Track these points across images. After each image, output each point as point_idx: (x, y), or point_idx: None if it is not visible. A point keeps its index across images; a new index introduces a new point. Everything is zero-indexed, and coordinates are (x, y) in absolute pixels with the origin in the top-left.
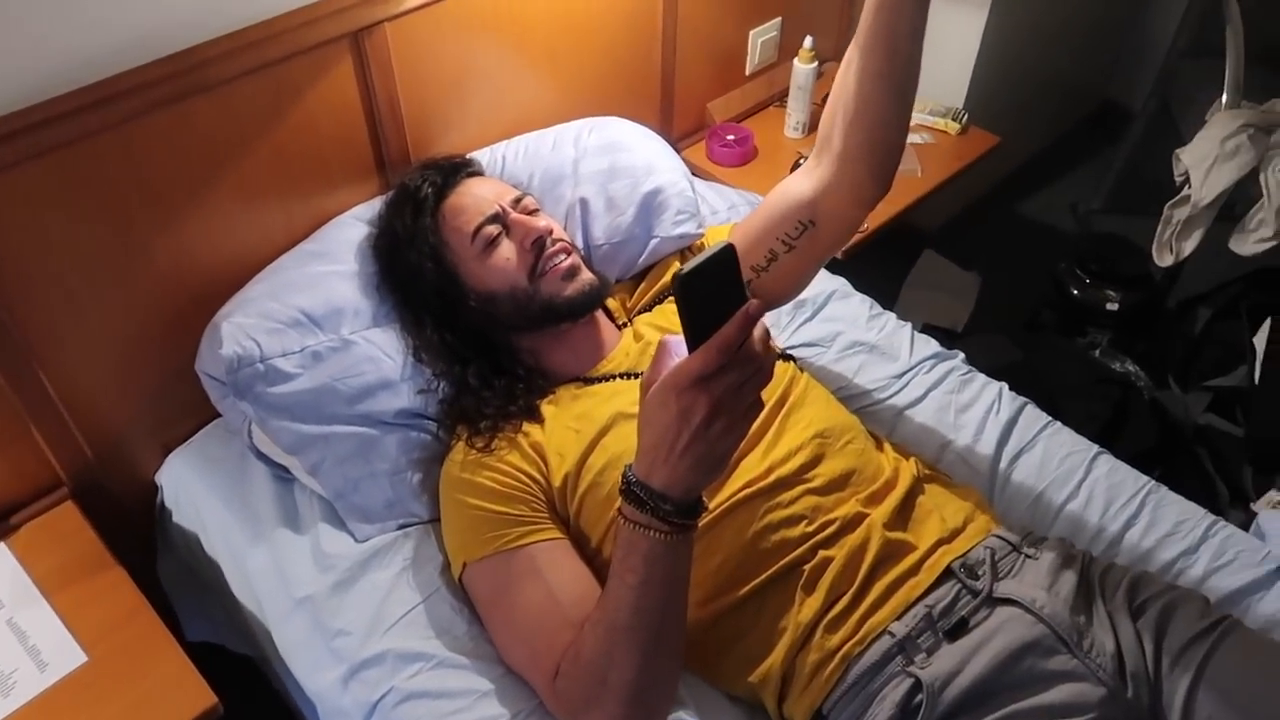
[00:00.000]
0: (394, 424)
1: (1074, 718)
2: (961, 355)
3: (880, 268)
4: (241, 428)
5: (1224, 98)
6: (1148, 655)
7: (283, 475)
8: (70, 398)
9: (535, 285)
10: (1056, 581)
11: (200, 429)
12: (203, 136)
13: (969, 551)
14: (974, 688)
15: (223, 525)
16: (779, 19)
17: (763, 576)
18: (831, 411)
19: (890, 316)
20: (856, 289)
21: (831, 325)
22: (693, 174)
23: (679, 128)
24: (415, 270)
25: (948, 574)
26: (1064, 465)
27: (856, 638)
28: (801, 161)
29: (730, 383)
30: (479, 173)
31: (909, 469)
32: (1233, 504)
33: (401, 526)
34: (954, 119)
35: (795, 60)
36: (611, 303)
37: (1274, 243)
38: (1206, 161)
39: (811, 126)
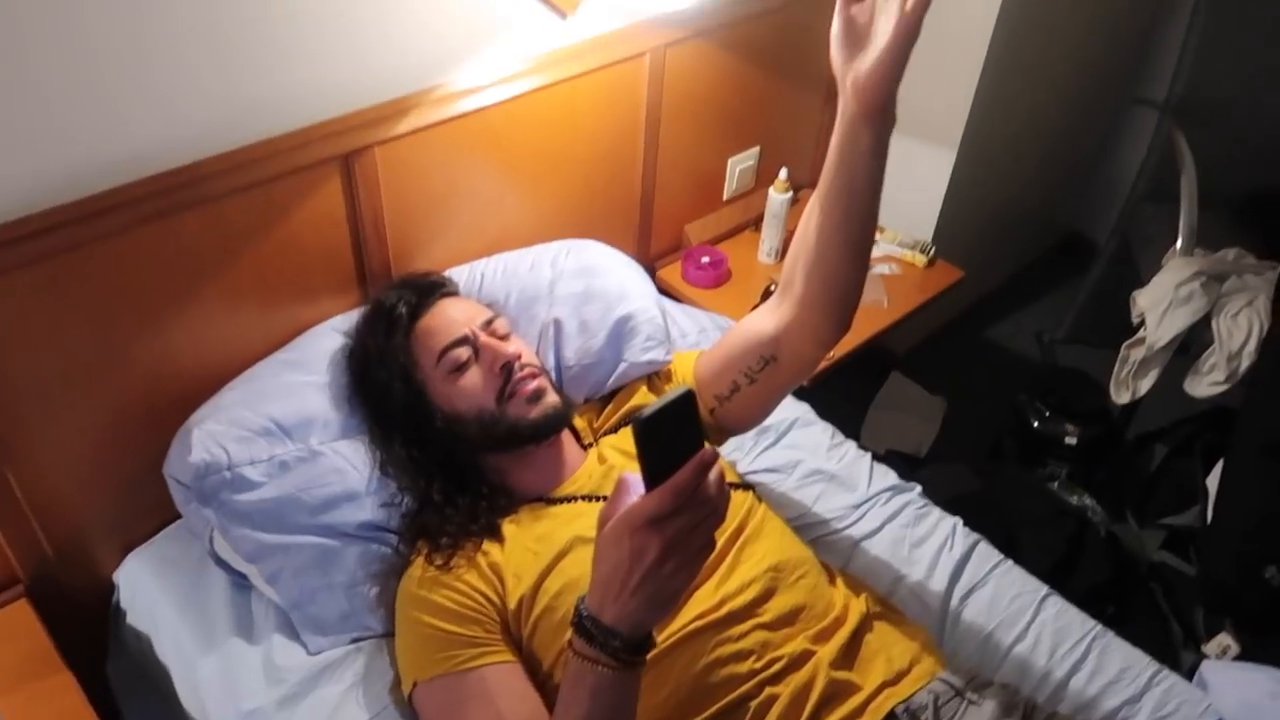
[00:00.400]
0: (355, 536)
1: None
2: (919, 488)
3: (847, 389)
4: (203, 533)
5: (1178, 243)
6: None
7: (241, 582)
8: (35, 496)
9: (502, 409)
10: None
11: (162, 529)
12: (189, 248)
13: (913, 696)
14: None
15: (175, 630)
16: (757, 148)
17: (709, 711)
18: (786, 544)
19: (850, 445)
20: (822, 411)
21: (793, 452)
22: (667, 294)
23: (656, 248)
24: (384, 387)
25: (891, 718)
26: (1014, 605)
27: None
28: (773, 289)
29: (683, 525)
30: (454, 293)
31: (859, 605)
32: (1186, 644)
33: (355, 640)
34: (921, 252)
35: (771, 189)
36: (579, 422)
37: (1226, 386)
38: (1161, 305)
39: (784, 252)
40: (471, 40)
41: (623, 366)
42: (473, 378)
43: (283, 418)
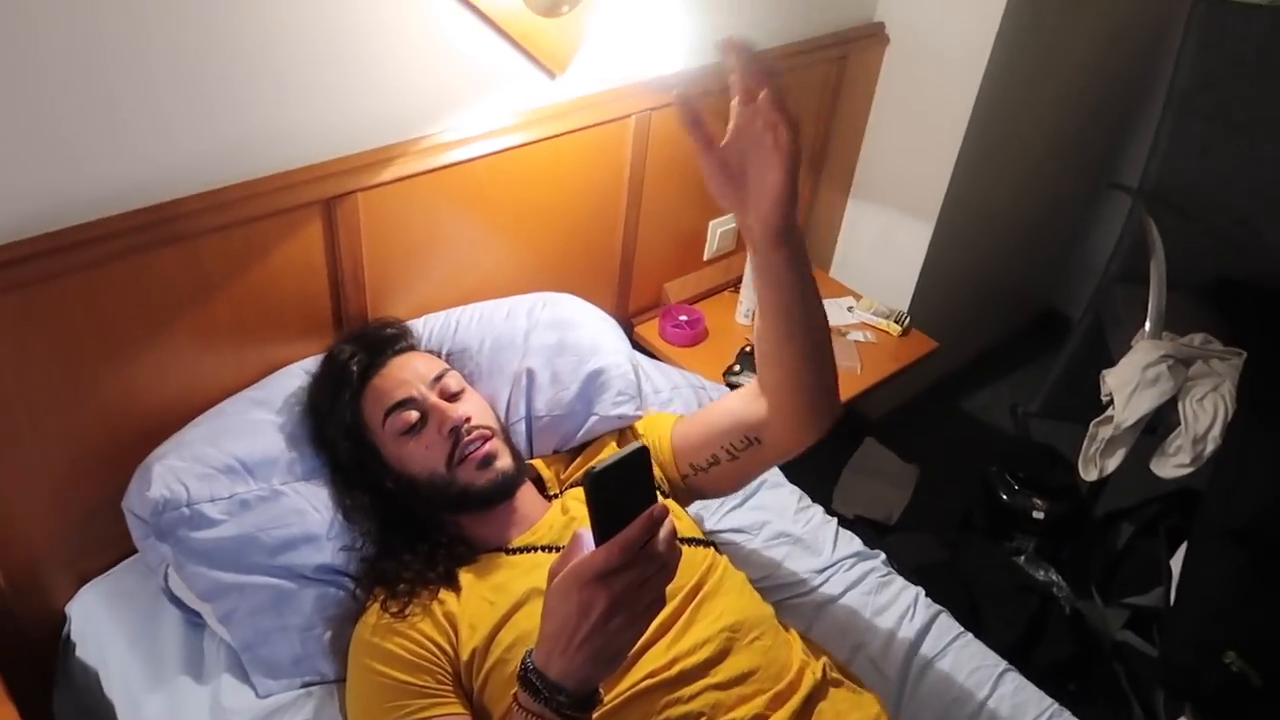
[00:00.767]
0: (312, 579)
1: None
2: (882, 556)
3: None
4: (158, 569)
5: (1147, 326)
6: None
7: (194, 620)
8: None
9: (453, 473)
10: None
11: (119, 562)
12: (164, 283)
13: None
14: None
15: (124, 666)
16: None
17: None
18: (745, 603)
19: (818, 510)
20: (791, 474)
21: (759, 514)
22: (644, 351)
23: (635, 304)
24: (334, 445)
25: None
26: (972, 678)
27: None
28: (748, 350)
29: (631, 580)
30: (410, 347)
31: (815, 671)
32: None
33: (306, 684)
34: (896, 321)
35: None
36: (546, 472)
37: (1191, 469)
38: (1129, 386)
39: None
40: (460, 93)
41: (593, 420)
42: (423, 441)
43: (246, 456)
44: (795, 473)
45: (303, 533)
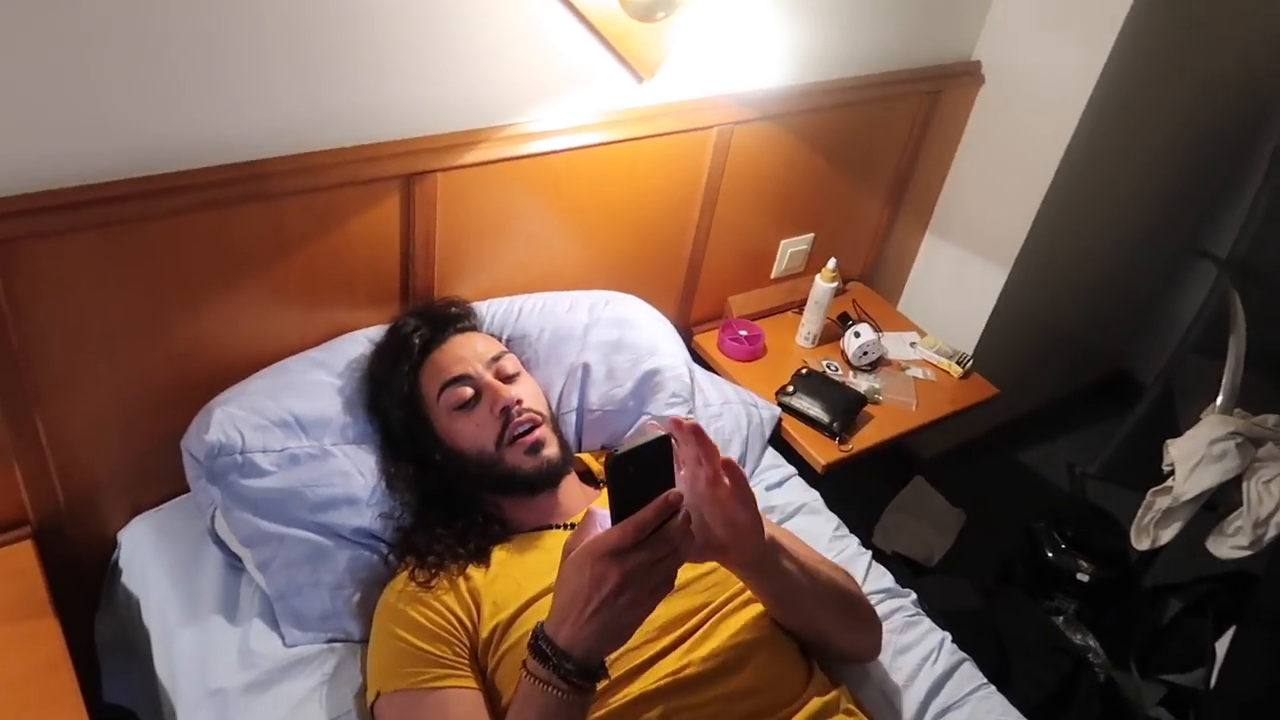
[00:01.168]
0: (349, 539)
1: None
2: (913, 596)
3: (862, 484)
4: (206, 510)
5: (1219, 400)
6: None
7: (234, 564)
8: (58, 444)
9: (500, 453)
10: None
11: (172, 498)
12: (245, 238)
13: None
14: None
15: (163, 598)
16: (812, 234)
17: None
18: (768, 624)
19: (853, 540)
20: (831, 500)
21: None
22: (700, 361)
23: (697, 313)
24: (388, 414)
25: None
26: None
27: None
28: (804, 371)
29: (642, 560)
30: (471, 327)
31: (828, 699)
32: None
33: (331, 640)
34: (959, 363)
35: (818, 276)
36: (594, 464)
37: (1249, 552)
38: (1193, 459)
39: (822, 339)
40: (548, 86)
41: (644, 419)
42: (475, 418)
43: (302, 413)
44: (838, 501)
45: (345, 494)
